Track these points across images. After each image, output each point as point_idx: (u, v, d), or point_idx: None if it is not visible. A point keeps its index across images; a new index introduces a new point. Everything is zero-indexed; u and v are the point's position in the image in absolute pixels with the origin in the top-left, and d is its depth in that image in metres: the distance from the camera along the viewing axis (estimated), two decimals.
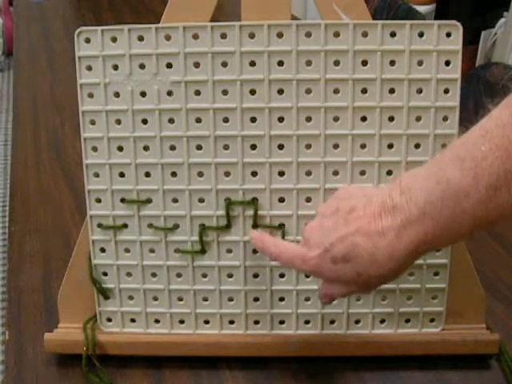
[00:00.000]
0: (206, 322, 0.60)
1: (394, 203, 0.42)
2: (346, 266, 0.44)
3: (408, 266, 0.43)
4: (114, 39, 0.54)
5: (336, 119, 0.55)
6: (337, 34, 0.53)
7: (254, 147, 0.55)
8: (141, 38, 0.54)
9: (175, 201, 0.57)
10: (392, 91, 0.54)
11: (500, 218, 0.39)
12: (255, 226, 0.56)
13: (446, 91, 0.54)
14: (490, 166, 0.38)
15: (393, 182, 0.43)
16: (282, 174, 0.56)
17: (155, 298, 0.60)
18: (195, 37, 0.53)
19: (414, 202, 0.40)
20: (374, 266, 0.43)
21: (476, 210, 0.39)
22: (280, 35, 0.53)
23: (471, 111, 1.12)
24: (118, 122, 0.55)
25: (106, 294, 0.59)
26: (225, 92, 0.54)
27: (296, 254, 0.48)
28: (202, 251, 0.58)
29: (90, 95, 0.55)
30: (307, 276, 0.58)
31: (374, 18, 0.53)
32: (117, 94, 0.55)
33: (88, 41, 0.54)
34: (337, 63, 0.53)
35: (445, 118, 0.54)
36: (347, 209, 0.45)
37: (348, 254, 0.43)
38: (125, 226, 0.58)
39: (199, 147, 0.55)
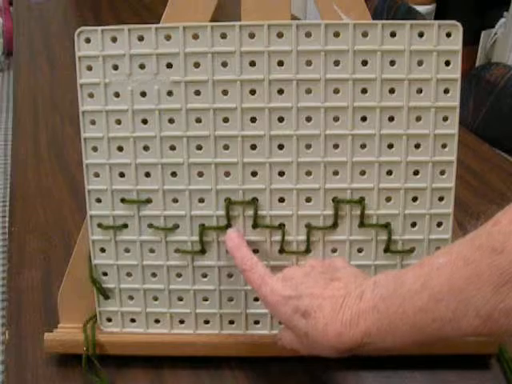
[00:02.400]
0: (206, 321, 0.60)
1: (362, 290, 0.44)
2: (300, 321, 0.46)
3: (350, 352, 0.44)
4: (114, 39, 0.54)
5: (336, 119, 0.55)
6: (337, 34, 0.53)
7: (254, 147, 0.55)
8: (141, 38, 0.54)
9: (175, 201, 0.57)
10: (392, 91, 0.54)
11: (436, 337, 0.40)
12: (255, 225, 0.57)
13: (446, 91, 0.54)
14: (438, 277, 0.39)
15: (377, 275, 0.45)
16: (282, 174, 0.56)
17: (155, 298, 0.60)
18: (195, 37, 0.53)
19: (376, 296, 0.43)
20: (322, 336, 0.44)
21: (417, 317, 0.40)
22: (280, 35, 0.53)
23: (471, 111, 1.12)
24: (118, 122, 0.55)
25: (106, 294, 0.59)
26: (225, 92, 0.54)
27: (269, 279, 0.49)
28: (202, 251, 0.58)
29: (90, 95, 0.55)
30: None
31: (373, 18, 0.53)
32: (117, 94, 0.55)
33: (88, 41, 0.54)
34: (337, 63, 0.53)
35: (445, 118, 0.54)
36: (335, 276, 0.48)
37: (309, 312, 0.45)
38: (125, 226, 0.58)
39: (199, 147, 0.55)
